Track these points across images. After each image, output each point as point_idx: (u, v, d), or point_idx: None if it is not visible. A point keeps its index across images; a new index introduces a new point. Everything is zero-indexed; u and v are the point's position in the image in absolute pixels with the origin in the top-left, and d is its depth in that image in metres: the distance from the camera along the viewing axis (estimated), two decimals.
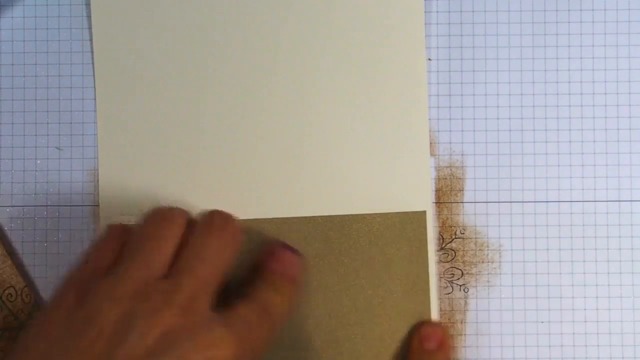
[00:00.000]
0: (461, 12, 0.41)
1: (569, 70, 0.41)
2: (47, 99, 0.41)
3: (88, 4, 0.41)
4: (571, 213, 0.41)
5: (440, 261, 0.41)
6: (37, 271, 0.41)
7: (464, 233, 0.41)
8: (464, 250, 0.41)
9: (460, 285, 0.41)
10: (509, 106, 0.41)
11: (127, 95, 0.41)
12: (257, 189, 0.40)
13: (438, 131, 0.41)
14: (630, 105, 0.41)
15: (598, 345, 0.41)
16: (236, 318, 0.33)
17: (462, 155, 0.41)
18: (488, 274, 0.41)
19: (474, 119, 0.41)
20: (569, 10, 0.41)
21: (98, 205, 0.41)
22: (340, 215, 0.40)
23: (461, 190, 0.41)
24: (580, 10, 0.41)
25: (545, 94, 0.41)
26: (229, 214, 0.36)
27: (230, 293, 0.35)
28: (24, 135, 0.41)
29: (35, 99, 0.42)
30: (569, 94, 0.41)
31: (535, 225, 0.41)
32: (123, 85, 0.41)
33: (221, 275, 0.34)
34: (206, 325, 0.32)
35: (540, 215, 0.41)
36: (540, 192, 0.41)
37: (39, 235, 0.41)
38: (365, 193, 0.40)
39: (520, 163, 0.41)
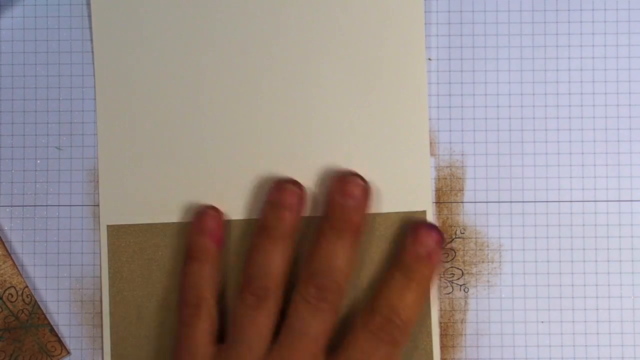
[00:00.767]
0: (461, 12, 0.41)
1: (569, 70, 0.41)
2: (47, 99, 0.41)
3: (88, 4, 0.41)
4: (571, 213, 0.41)
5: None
6: (37, 271, 0.41)
7: (464, 233, 0.41)
8: (464, 250, 0.41)
9: (461, 285, 0.41)
10: (509, 106, 0.41)
11: (127, 95, 0.41)
12: (258, 189, 0.40)
13: (438, 131, 0.41)
14: (630, 105, 0.41)
15: (598, 345, 0.41)
16: None
17: (462, 155, 0.41)
18: (488, 273, 0.41)
19: (474, 119, 0.41)
20: (569, 10, 0.41)
21: (98, 205, 0.41)
22: None
23: (461, 190, 0.41)
24: (580, 10, 0.41)
25: (545, 94, 0.41)
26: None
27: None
28: (24, 135, 0.41)
29: (35, 99, 0.42)
30: (569, 94, 0.41)
31: (535, 225, 0.41)
32: (123, 85, 0.41)
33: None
34: None
35: (540, 215, 0.41)
36: (540, 192, 0.41)
37: (39, 235, 0.41)
38: None
39: (520, 163, 0.41)
